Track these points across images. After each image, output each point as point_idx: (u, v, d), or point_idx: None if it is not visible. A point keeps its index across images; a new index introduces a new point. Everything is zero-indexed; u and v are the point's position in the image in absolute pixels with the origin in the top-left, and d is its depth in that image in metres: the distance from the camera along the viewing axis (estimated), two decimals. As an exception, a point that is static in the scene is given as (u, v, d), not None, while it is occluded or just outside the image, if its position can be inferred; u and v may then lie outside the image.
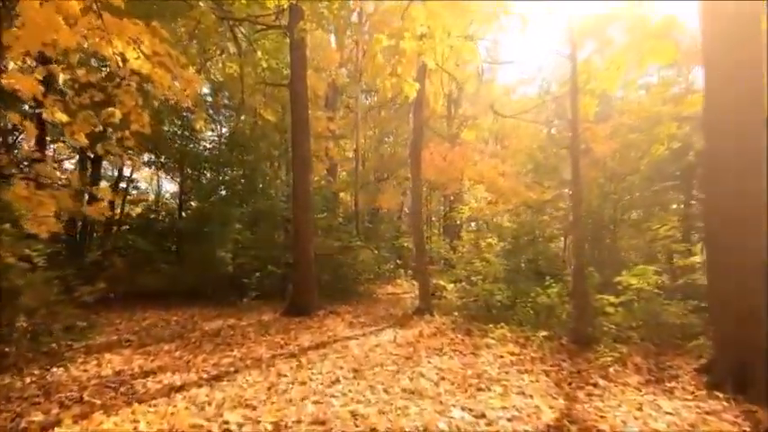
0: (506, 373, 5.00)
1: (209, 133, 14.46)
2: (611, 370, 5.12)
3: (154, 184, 18.83)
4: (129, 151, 9.24)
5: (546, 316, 7.28)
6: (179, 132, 11.82)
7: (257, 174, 13.82)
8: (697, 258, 7.57)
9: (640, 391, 4.41)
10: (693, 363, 5.19)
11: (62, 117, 5.16)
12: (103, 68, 8.37)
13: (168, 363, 5.17)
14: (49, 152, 14.24)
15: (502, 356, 5.66)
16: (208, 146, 12.94)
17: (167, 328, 7.38)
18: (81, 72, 5.55)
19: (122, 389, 4.28)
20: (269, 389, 4.29)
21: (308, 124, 9.52)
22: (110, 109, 5.70)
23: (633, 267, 7.10)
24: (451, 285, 9.43)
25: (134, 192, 14.07)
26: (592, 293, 6.71)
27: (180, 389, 4.26)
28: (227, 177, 13.70)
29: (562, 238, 19.10)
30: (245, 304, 9.82)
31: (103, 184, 13.25)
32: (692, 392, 4.32)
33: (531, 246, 14.83)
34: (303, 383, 4.47)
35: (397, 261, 19.32)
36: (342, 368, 5.06)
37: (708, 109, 4.73)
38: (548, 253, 16.37)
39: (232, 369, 4.90)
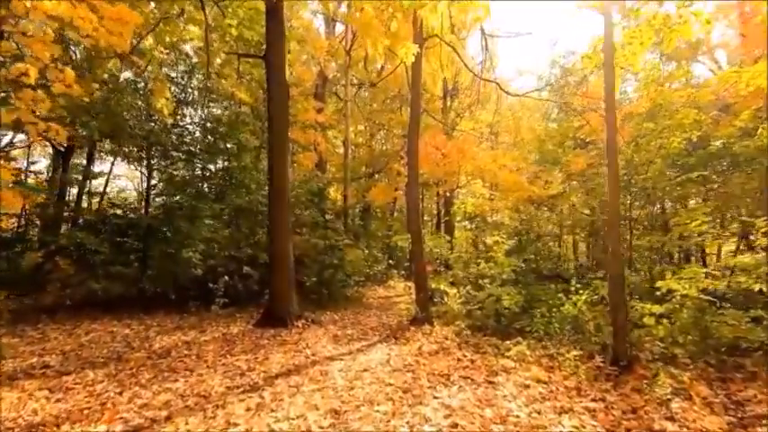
0: (538, 413, 3.73)
1: (185, 120, 13.00)
2: (673, 406, 3.88)
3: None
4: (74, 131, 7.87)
5: (571, 329, 6.02)
6: (143, 116, 10.36)
7: (236, 165, 12.43)
8: (746, 259, 6.39)
9: (732, 444, 3.17)
10: (781, 396, 3.97)
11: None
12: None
13: (78, 404, 3.79)
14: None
15: (527, 385, 4.38)
16: (178, 133, 11.45)
17: (108, 346, 5.98)
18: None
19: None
20: (208, 449, 2.96)
21: (286, 103, 8.17)
22: (19, 65, 4.35)
23: (652, 267, 5.94)
24: (454, 290, 8.14)
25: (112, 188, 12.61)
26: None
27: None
28: (201, 169, 12.30)
29: (559, 237, 18.09)
30: (214, 313, 8.45)
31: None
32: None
33: (532, 244, 13.66)
34: (260, 438, 3.15)
35: (390, 261, 18.03)
36: (317, 409, 3.73)
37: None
38: (548, 252, 15.27)
39: (164, 414, 3.55)
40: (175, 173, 11.60)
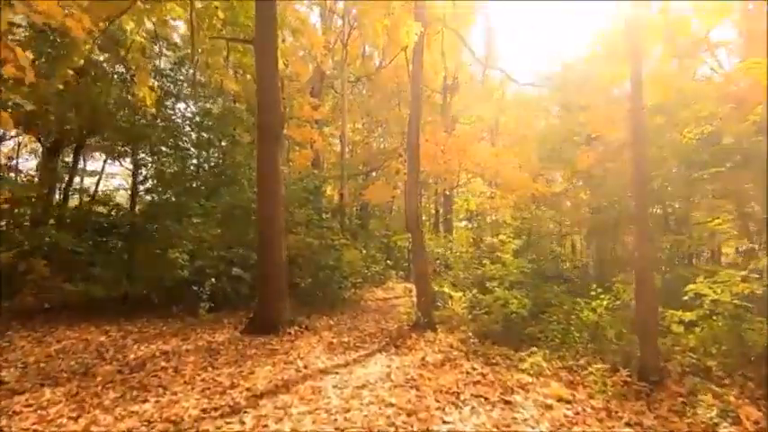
0: (567, 441, 3.17)
1: (174, 113, 12.36)
2: (722, 432, 3.34)
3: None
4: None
5: (590, 337, 5.47)
6: (127, 108, 9.75)
7: (228, 162, 11.87)
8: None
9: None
10: None
11: None
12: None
13: (24, 433, 3.21)
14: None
15: (549, 406, 3.82)
16: (164, 127, 10.81)
17: (77, 357, 5.38)
18: None
19: None
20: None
21: (277, 93, 7.58)
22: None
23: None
24: (459, 294, 7.57)
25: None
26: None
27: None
28: (191, 165, 11.71)
29: (563, 237, 17.55)
30: (201, 318, 7.85)
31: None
32: None
33: (534, 244, 13.12)
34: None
35: (388, 261, 17.47)
36: (307, 438, 3.17)
37: None
38: (550, 252, 14.70)
39: (122, 448, 2.97)
40: (162, 168, 11.00)
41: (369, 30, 6.23)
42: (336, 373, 4.80)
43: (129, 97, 9.19)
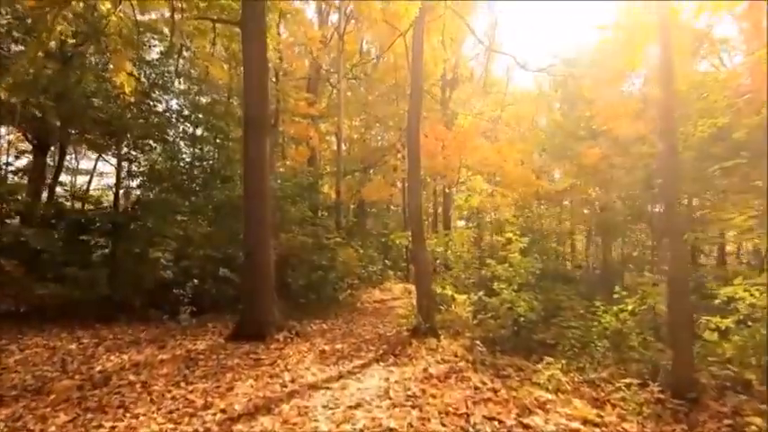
0: (603, 480, 2.61)
1: (160, 105, 11.71)
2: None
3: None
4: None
5: (613, 346, 4.92)
6: (110, 98, 9.11)
7: (219, 157, 11.28)
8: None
9: None
10: None
11: None
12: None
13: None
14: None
15: (576, 431, 3.26)
16: (147, 118, 10.18)
17: (37, 369, 4.78)
18: None
19: None
20: None
21: (265, 79, 7.00)
22: None
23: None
24: (463, 296, 6.99)
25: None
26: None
27: None
28: (179, 160, 11.10)
29: (568, 235, 16.99)
30: (184, 323, 7.26)
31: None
32: None
33: (537, 243, 12.58)
34: None
35: (386, 261, 16.89)
36: (287, 479, 2.59)
37: None
38: (553, 252, 14.17)
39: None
40: (147, 164, 10.39)
41: (365, 9, 5.62)
42: (327, 388, 4.22)
43: (109, 86, 8.56)
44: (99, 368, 4.86)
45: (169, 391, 4.05)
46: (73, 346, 5.90)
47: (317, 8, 18.53)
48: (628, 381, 4.03)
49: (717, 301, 4.77)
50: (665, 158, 4.33)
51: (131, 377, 4.48)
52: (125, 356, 5.34)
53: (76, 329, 6.95)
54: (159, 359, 5.21)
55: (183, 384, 4.26)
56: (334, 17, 18.00)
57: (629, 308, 4.91)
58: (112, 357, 5.29)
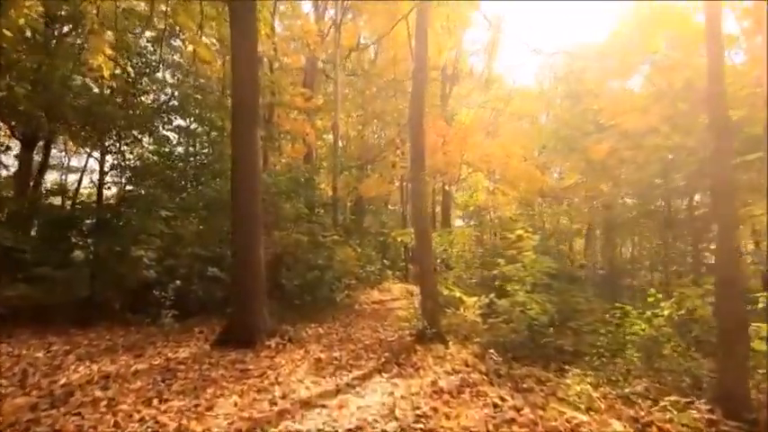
0: None
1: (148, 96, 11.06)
2: None
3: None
4: None
5: (646, 356, 4.38)
6: (87, 83, 8.51)
7: (217, 152, 10.71)
8: None
9: None
10: None
11: None
12: None
13: None
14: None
15: (622, 464, 2.72)
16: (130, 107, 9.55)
17: (-9, 383, 4.19)
18: None
19: None
20: None
21: (254, 61, 6.42)
22: None
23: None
24: (473, 299, 6.42)
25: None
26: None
27: None
28: (168, 154, 10.52)
29: (574, 234, 16.50)
30: (168, 327, 6.66)
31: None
32: None
33: (543, 242, 12.07)
34: None
35: (384, 261, 16.35)
36: None
37: None
38: (557, 251, 13.66)
39: None
40: (131, 157, 9.79)
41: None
42: (323, 406, 3.65)
43: (85, 70, 7.95)
44: (63, 381, 4.26)
45: (138, 411, 3.47)
46: (40, 354, 5.31)
47: (313, 3, 18.03)
48: (673, 398, 3.48)
49: (760, 306, 4.26)
50: (716, 149, 3.80)
51: (97, 393, 3.89)
52: (95, 367, 4.74)
53: (49, 335, 6.33)
54: (133, 370, 4.62)
55: (155, 402, 3.68)
56: (331, 11, 17.49)
57: (665, 312, 4.37)
58: (81, 368, 4.70)
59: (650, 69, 12.95)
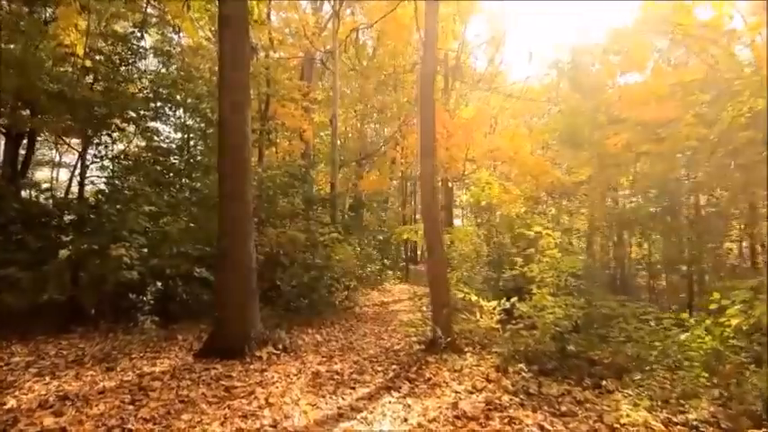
0: None
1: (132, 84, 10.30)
2: None
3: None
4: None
5: (709, 373, 3.71)
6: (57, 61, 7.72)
7: (201, 144, 10.02)
8: None
9: None
10: None
11: None
12: None
13: None
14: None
15: None
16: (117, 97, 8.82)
17: None
18: None
19: None
20: None
21: (244, 35, 5.71)
22: None
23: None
24: (492, 303, 5.74)
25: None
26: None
27: None
28: (155, 146, 9.80)
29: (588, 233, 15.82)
30: (148, 334, 5.96)
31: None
32: None
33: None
34: None
35: (384, 261, 15.65)
36: None
37: None
38: (578, 249, 12.95)
39: None
40: (113, 148, 9.07)
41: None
42: (323, 436, 2.98)
43: (62, 51, 7.20)
44: (12, 404, 3.56)
45: (92, 447, 2.78)
46: (-6, 368, 4.60)
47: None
48: (750, 428, 2.82)
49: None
50: None
51: (47, 421, 3.19)
52: (55, 383, 4.04)
53: (15, 343, 5.63)
54: (99, 388, 3.91)
55: (116, 431, 3.00)
56: (327, 6, 16.85)
57: (734, 322, 3.70)
58: (37, 386, 3.99)
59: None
